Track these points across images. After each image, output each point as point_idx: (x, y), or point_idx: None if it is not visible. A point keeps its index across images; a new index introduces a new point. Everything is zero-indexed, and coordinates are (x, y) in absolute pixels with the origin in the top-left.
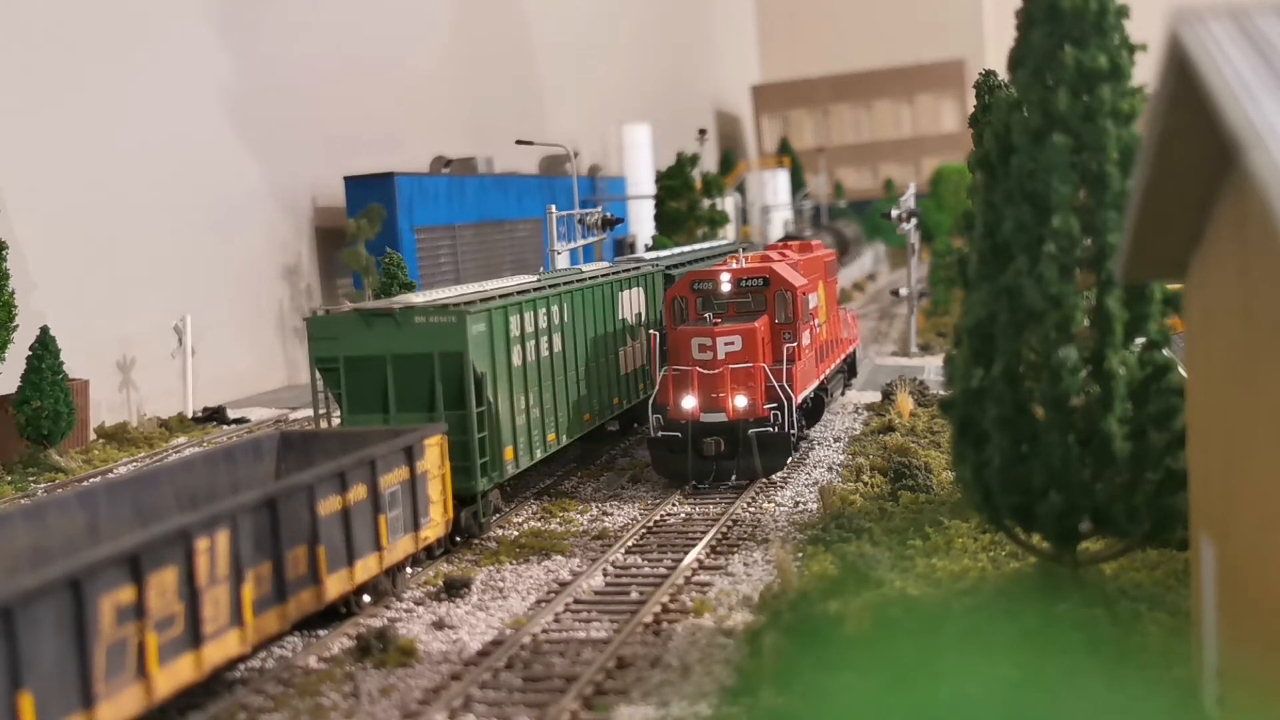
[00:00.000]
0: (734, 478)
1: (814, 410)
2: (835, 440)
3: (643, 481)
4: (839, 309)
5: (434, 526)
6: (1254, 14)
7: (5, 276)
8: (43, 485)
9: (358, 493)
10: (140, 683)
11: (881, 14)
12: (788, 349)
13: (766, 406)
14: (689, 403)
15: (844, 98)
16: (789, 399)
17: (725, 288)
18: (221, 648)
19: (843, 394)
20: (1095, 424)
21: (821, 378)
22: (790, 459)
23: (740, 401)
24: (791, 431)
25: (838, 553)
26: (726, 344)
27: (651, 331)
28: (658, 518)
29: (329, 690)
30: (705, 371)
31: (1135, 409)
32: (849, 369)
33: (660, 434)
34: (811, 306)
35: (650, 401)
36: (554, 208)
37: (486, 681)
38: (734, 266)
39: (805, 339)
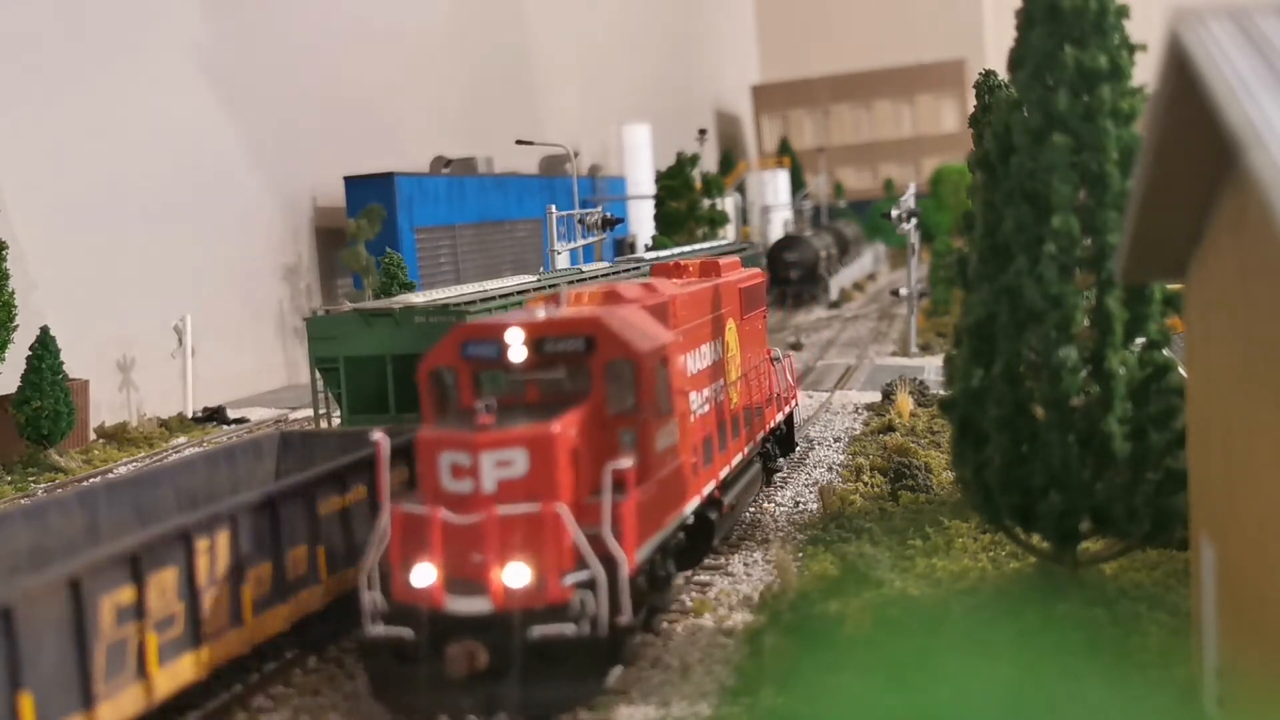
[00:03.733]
0: None
1: (701, 532)
2: (835, 440)
3: None
4: (769, 357)
5: None
6: (1254, 14)
7: (5, 276)
8: (43, 485)
9: (358, 493)
10: (140, 683)
11: (881, 14)
12: (617, 469)
13: (567, 582)
14: (424, 576)
15: (844, 98)
16: (612, 565)
17: (516, 355)
18: (222, 648)
19: (767, 484)
20: (1095, 424)
21: (713, 484)
22: (614, 674)
23: (516, 575)
24: (621, 624)
25: (838, 553)
26: (499, 464)
27: (377, 436)
28: None
29: (329, 690)
30: (456, 519)
31: (1135, 409)
32: (783, 440)
33: (378, 631)
34: (691, 373)
35: (362, 569)
36: (554, 208)
37: None
38: (538, 315)
39: (663, 438)
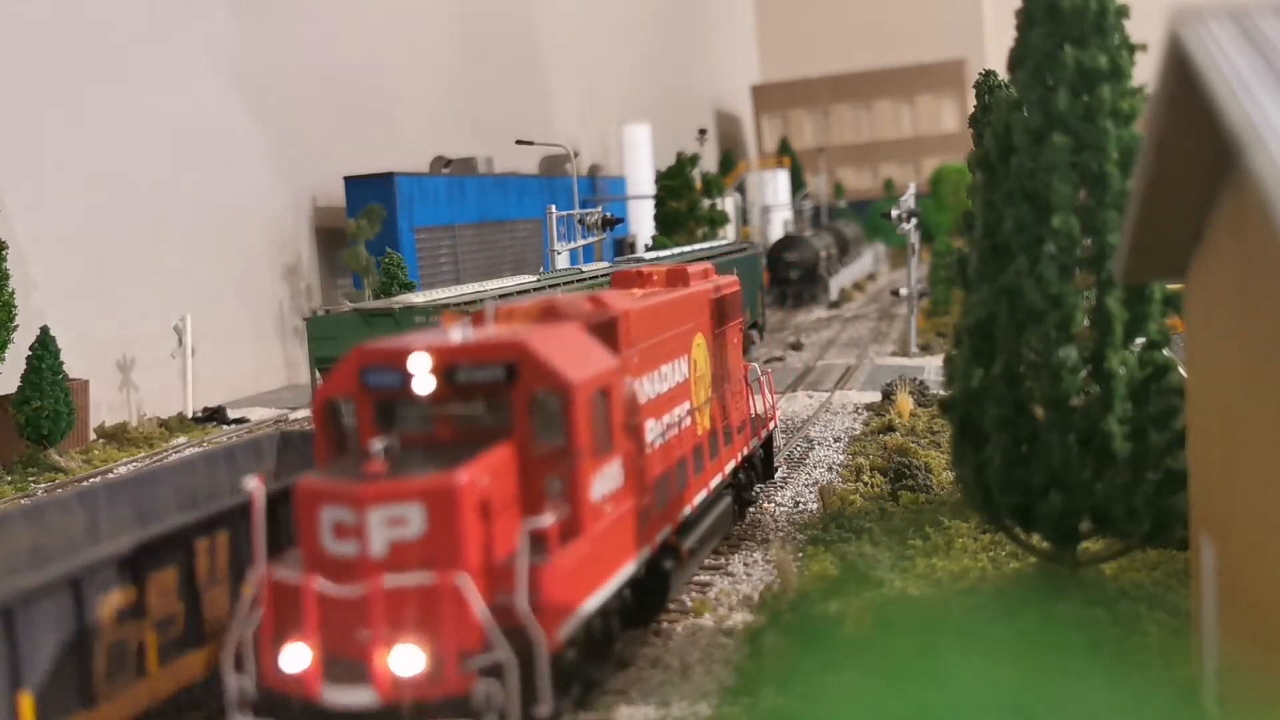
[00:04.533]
0: None
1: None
2: (835, 440)
3: None
4: (744, 374)
5: None
6: (1254, 14)
7: (5, 276)
8: (43, 485)
9: None
10: (141, 682)
11: (881, 14)
12: (536, 529)
13: (470, 667)
14: (296, 658)
15: (844, 98)
16: (528, 645)
17: (421, 386)
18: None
19: (740, 518)
20: (1095, 424)
21: (669, 529)
22: None
23: (406, 660)
24: (539, 715)
25: (838, 553)
26: (390, 522)
27: (251, 485)
28: None
29: None
30: (336, 589)
31: (1135, 409)
32: (760, 466)
33: None
34: (648, 399)
35: (227, 647)
36: (554, 208)
37: None
38: (453, 337)
39: (602, 483)
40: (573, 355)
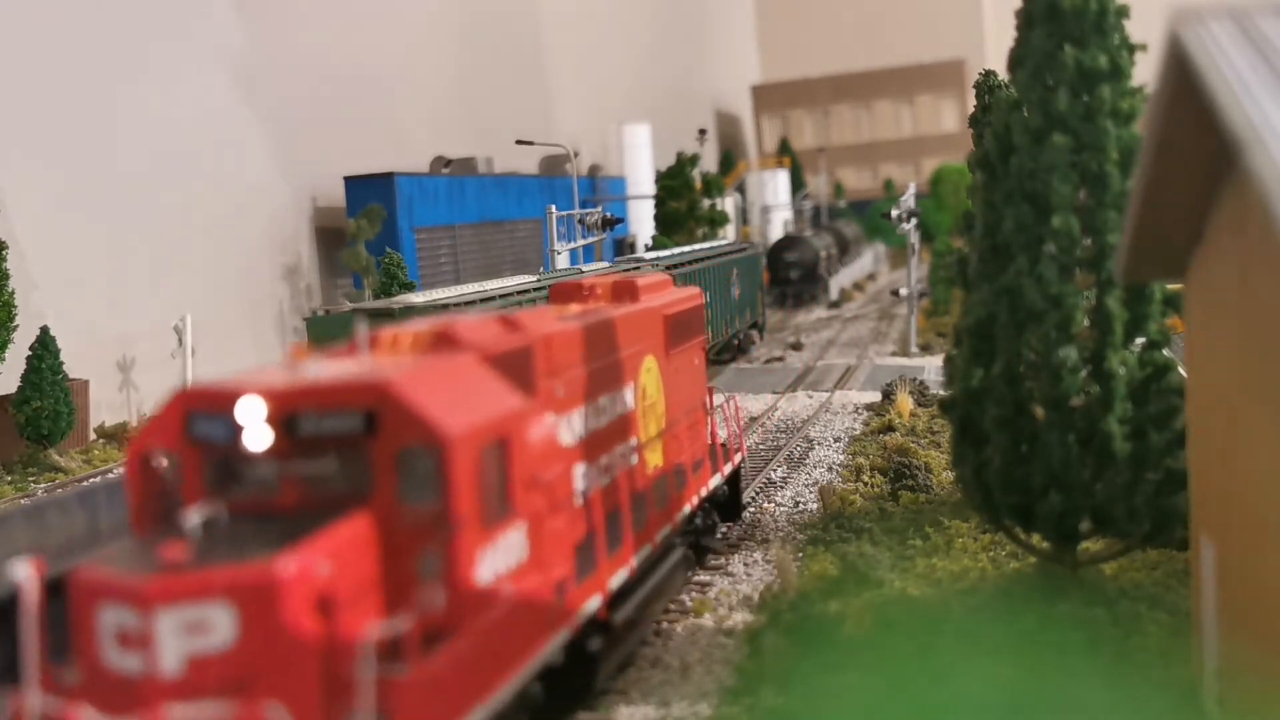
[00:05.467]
0: None
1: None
2: (835, 440)
3: None
4: (707, 401)
5: None
6: (1254, 14)
7: (5, 276)
8: (43, 485)
9: None
10: None
11: (881, 14)
12: (383, 636)
13: None
14: None
15: (844, 98)
16: None
17: (256, 439)
18: None
19: (700, 563)
20: (1095, 424)
21: (599, 600)
22: None
23: None
24: None
25: (838, 553)
26: (187, 629)
27: (21, 574)
28: None
29: None
30: None
31: (1135, 409)
32: (726, 505)
33: None
34: (575, 441)
35: None
36: (554, 208)
37: None
38: (303, 374)
39: (494, 558)
40: (457, 397)
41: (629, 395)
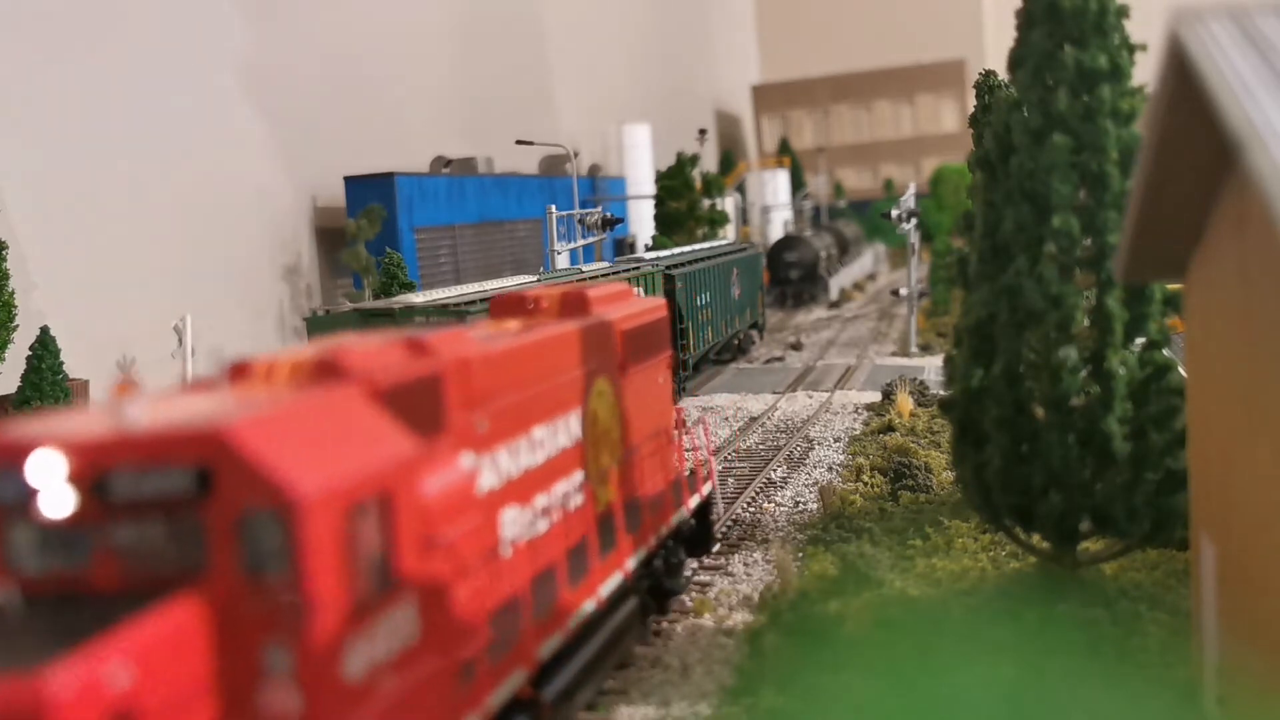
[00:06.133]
0: None
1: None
2: (835, 440)
3: None
4: (674, 424)
5: None
6: (1254, 14)
7: (5, 276)
8: None
9: None
10: None
11: (881, 14)
12: None
13: None
14: None
15: (844, 98)
16: None
17: (54, 503)
18: None
19: (660, 611)
20: (1095, 424)
21: (523, 676)
22: None
23: None
24: None
25: (838, 553)
26: None
27: None
28: None
29: None
30: None
31: (1135, 409)
32: (694, 539)
33: None
34: (503, 483)
35: None
36: (554, 208)
37: None
38: (122, 420)
39: (370, 646)
40: (323, 445)
41: (574, 424)
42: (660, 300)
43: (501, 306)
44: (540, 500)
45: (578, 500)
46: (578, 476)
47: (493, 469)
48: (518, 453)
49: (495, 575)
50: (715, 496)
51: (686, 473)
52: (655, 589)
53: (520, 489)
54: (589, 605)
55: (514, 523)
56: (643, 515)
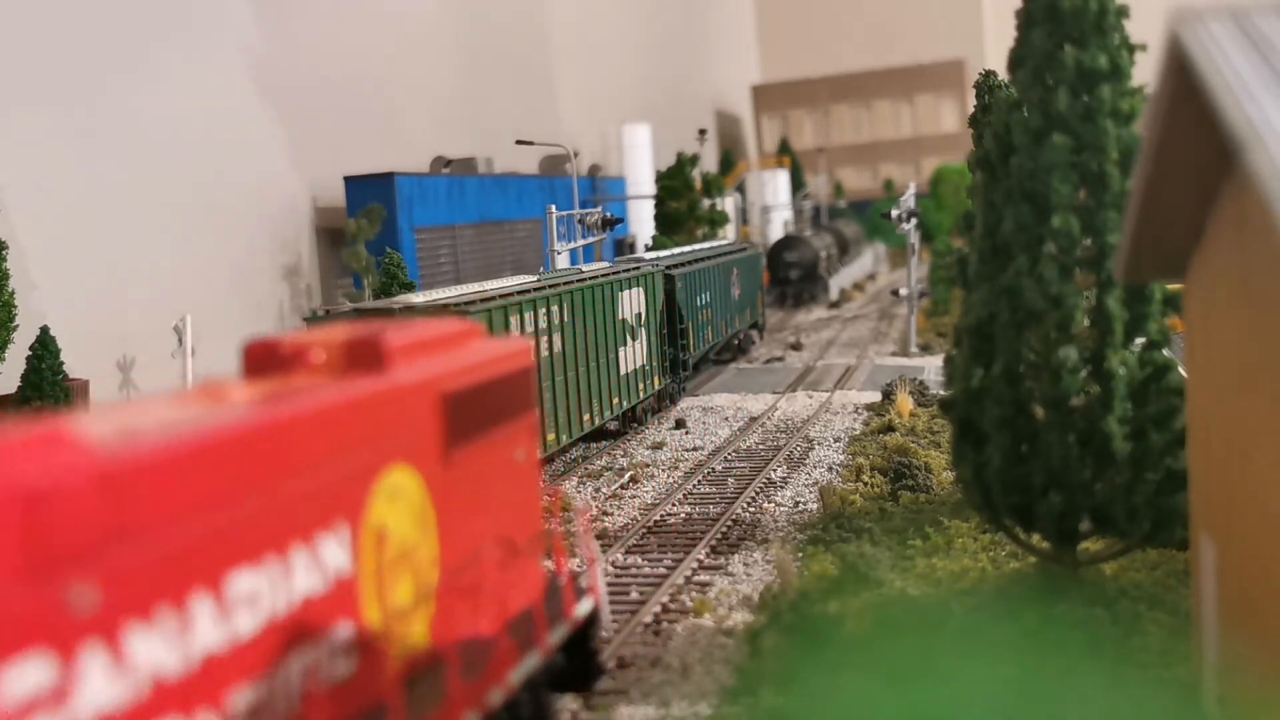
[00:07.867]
0: None
1: None
2: (835, 440)
3: (642, 482)
4: (538, 521)
5: None
6: (1254, 14)
7: (5, 276)
8: None
9: None
10: None
11: (881, 14)
12: None
13: None
14: None
15: (844, 98)
16: None
17: None
18: None
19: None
20: (1095, 424)
21: None
22: None
23: None
24: None
25: (838, 553)
26: None
27: None
28: (657, 518)
29: None
30: None
31: (1135, 409)
32: (575, 672)
33: None
34: (129, 692)
35: None
36: (554, 208)
37: None
38: None
39: None
40: None
41: (335, 551)
42: (523, 343)
43: (254, 360)
44: (244, 695)
45: (344, 667)
46: (343, 632)
47: (112, 670)
48: (186, 627)
49: None
50: (600, 613)
51: (555, 587)
52: None
53: (190, 688)
54: None
55: None
56: (475, 666)
